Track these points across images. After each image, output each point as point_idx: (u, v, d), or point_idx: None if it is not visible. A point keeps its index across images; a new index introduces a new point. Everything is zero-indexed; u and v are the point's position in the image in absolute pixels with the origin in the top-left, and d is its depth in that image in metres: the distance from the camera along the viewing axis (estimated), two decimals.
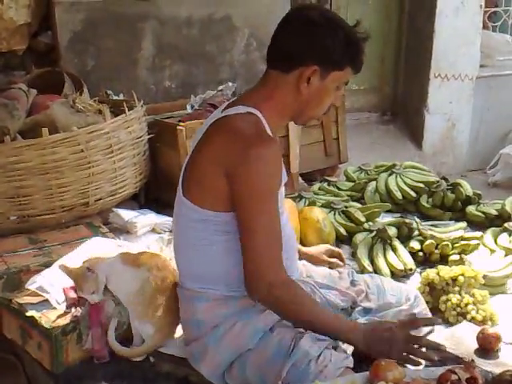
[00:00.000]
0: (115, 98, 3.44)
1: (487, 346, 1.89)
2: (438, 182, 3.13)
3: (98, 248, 2.28)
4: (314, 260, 2.16)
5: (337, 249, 2.29)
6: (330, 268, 2.13)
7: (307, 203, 2.97)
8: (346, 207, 2.95)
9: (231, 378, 1.74)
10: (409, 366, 1.58)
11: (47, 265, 2.26)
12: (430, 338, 1.90)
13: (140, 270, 1.95)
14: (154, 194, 3.21)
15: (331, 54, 1.67)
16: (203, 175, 1.69)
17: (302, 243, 2.52)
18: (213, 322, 1.73)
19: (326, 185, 3.32)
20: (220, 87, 3.72)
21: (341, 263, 2.21)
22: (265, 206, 1.63)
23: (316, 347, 1.66)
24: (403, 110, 4.86)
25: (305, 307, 1.64)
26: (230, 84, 3.74)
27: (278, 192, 1.69)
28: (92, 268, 1.94)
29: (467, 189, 3.07)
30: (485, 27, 4.88)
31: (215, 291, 1.74)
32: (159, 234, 2.71)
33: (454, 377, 1.34)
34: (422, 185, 3.12)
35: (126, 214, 2.80)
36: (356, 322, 1.77)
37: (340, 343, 1.74)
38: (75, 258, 2.21)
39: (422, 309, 2.02)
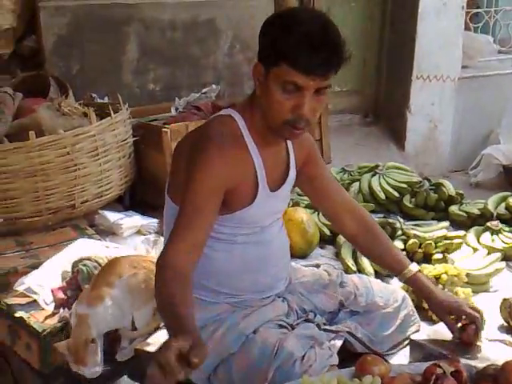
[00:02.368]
0: (100, 101, 3.46)
1: (467, 341, 1.91)
2: (420, 182, 3.16)
3: (86, 249, 2.29)
4: (433, 310, 1.94)
5: (475, 314, 1.83)
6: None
7: (291, 204, 3.00)
8: None
9: (217, 380, 1.73)
10: (396, 360, 1.59)
11: (35, 266, 2.28)
12: (414, 335, 1.95)
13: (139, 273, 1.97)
14: (139, 196, 3.22)
15: (265, 48, 1.59)
16: (177, 172, 1.71)
17: None
18: (198, 324, 1.68)
19: None
20: (204, 90, 3.74)
21: (456, 334, 1.82)
22: (186, 203, 1.59)
23: (300, 347, 1.65)
24: (385, 112, 4.89)
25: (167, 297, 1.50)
26: (214, 86, 3.76)
27: (211, 192, 1.60)
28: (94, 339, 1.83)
29: (450, 189, 3.11)
30: (467, 28, 4.90)
31: (194, 295, 1.70)
32: (145, 235, 2.73)
33: (439, 370, 1.37)
34: (404, 185, 3.16)
35: (112, 216, 2.81)
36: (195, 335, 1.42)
37: (325, 340, 1.76)
38: (63, 259, 2.22)
39: (409, 310, 2.02)
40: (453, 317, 1.86)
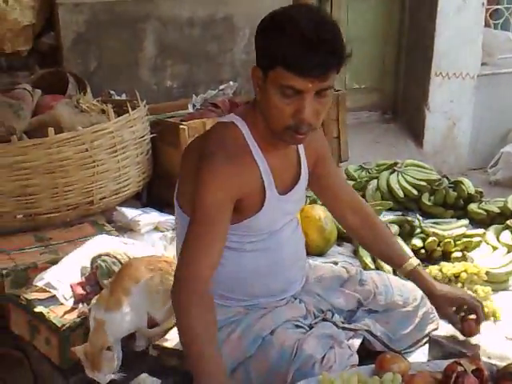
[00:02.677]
0: (118, 98, 3.47)
1: (469, 332, 1.86)
2: (439, 179, 3.13)
3: (104, 245, 2.30)
4: (433, 304, 1.92)
5: (476, 303, 1.85)
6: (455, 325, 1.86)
7: (308, 201, 2.99)
8: None
9: (236, 382, 1.71)
10: (414, 358, 1.58)
11: (54, 262, 2.30)
12: (433, 333, 1.94)
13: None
14: (156, 193, 3.23)
15: (260, 51, 1.55)
16: (185, 181, 1.68)
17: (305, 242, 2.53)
18: None
19: None
20: (221, 87, 3.75)
21: (458, 326, 1.82)
22: (198, 218, 1.56)
23: (319, 349, 1.64)
24: (404, 109, 4.86)
25: (196, 328, 1.50)
26: (232, 83, 3.77)
27: (222, 205, 1.57)
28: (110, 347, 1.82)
29: (469, 186, 3.08)
30: (486, 25, 4.86)
31: None
32: (162, 232, 2.74)
33: (460, 368, 1.36)
34: (423, 183, 3.13)
35: (130, 213, 2.82)
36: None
37: (344, 339, 1.75)
38: (82, 255, 2.23)
39: (428, 308, 2.01)
40: (454, 309, 1.85)
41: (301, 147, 1.79)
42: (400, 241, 2.63)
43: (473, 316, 1.82)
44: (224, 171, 1.54)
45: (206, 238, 1.55)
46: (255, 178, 1.64)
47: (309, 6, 1.64)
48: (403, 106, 4.87)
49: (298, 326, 1.75)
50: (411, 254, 2.14)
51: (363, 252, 2.59)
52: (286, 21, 1.49)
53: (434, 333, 1.95)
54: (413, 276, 1.93)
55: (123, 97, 3.50)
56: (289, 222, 1.80)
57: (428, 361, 1.81)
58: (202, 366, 1.46)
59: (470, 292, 2.19)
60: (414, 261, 1.94)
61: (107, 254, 2.08)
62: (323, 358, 1.62)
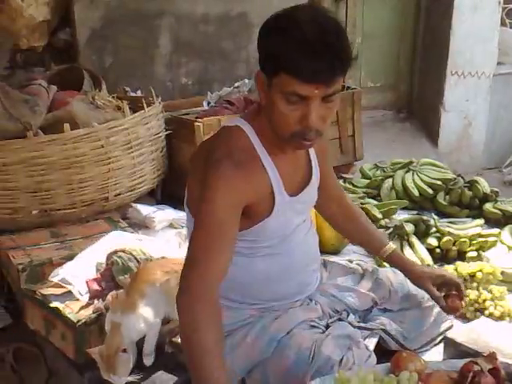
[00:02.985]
0: (133, 94, 3.48)
1: (453, 308, 1.89)
2: (455, 179, 3.12)
3: (119, 241, 2.30)
4: (415, 282, 1.93)
5: (457, 279, 1.93)
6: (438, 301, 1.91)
7: None
8: (362, 204, 2.95)
9: (253, 382, 1.70)
10: (429, 357, 1.57)
11: (69, 258, 2.31)
12: (449, 333, 1.93)
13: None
14: (171, 190, 3.23)
15: (263, 56, 1.50)
16: (193, 187, 1.65)
17: (319, 240, 2.51)
18: (225, 329, 1.61)
19: (341, 182, 3.32)
20: (236, 84, 3.73)
21: (442, 302, 1.86)
22: (208, 220, 1.51)
23: (338, 350, 1.62)
24: (419, 108, 4.83)
25: (199, 334, 1.44)
26: (247, 81, 3.75)
27: (225, 213, 1.51)
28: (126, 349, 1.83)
29: (484, 186, 3.06)
30: (503, 24, 4.82)
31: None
32: (177, 229, 2.74)
33: (476, 367, 1.35)
34: (439, 182, 3.12)
35: (145, 209, 2.83)
36: None
37: (361, 339, 1.74)
38: (97, 251, 2.24)
39: None
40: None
41: None
42: (415, 240, 2.63)
43: (454, 292, 1.88)
44: (232, 177, 1.50)
45: (214, 245, 1.49)
46: (264, 184, 1.60)
47: (313, 7, 1.60)
48: (418, 105, 4.84)
49: (313, 327, 1.73)
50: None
51: None
52: (289, 24, 1.44)
53: (450, 333, 1.93)
54: (393, 259, 1.97)
55: (138, 93, 3.51)
56: (302, 223, 1.78)
57: (443, 360, 1.80)
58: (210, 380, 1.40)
59: (486, 292, 2.19)
60: (393, 245, 1.99)
61: (123, 251, 2.09)
62: (342, 359, 1.60)
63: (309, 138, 1.51)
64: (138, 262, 2.09)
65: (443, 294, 1.89)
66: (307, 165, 1.77)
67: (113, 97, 3.10)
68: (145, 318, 1.88)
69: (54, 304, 2.03)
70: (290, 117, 1.47)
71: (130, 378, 1.82)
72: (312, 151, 1.78)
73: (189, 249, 1.53)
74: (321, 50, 1.40)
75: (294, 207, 1.69)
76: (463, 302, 1.90)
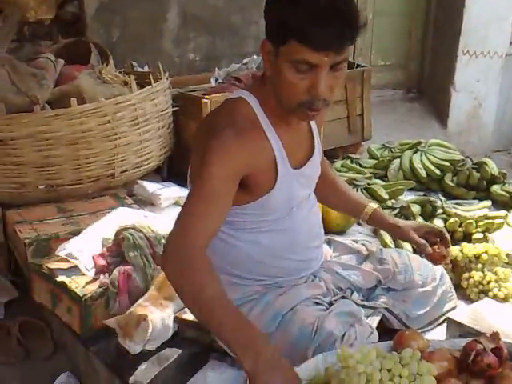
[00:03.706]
0: (140, 69, 3.46)
1: (439, 256, 1.91)
2: (463, 160, 3.11)
3: (125, 218, 2.31)
4: (399, 235, 1.98)
5: (438, 227, 2.01)
6: (416, 251, 1.97)
7: None
8: (368, 184, 2.95)
9: None
10: (432, 337, 1.57)
11: (75, 233, 2.32)
12: (452, 313, 1.93)
13: None
14: (177, 167, 3.22)
15: (272, 24, 1.47)
16: (194, 166, 1.63)
17: (325, 220, 2.51)
18: None
19: (348, 162, 3.32)
20: (245, 60, 3.71)
21: (428, 249, 1.89)
22: (201, 187, 1.49)
23: (340, 326, 1.63)
24: (429, 88, 4.78)
25: (205, 290, 1.39)
26: (255, 57, 3.72)
27: (222, 181, 1.50)
28: (147, 318, 1.83)
29: (493, 168, 3.05)
30: None
31: (223, 277, 1.67)
32: None
33: (479, 346, 1.35)
34: (447, 163, 3.10)
35: (151, 187, 2.83)
36: (264, 343, 1.36)
37: (363, 317, 1.74)
38: (103, 227, 2.25)
39: (447, 287, 2.02)
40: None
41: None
42: (421, 221, 2.63)
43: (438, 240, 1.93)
44: (232, 145, 1.49)
45: (204, 209, 1.46)
46: (266, 154, 1.59)
47: None
48: (428, 85, 4.79)
49: (317, 304, 1.75)
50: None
51: (383, 231, 2.58)
52: None
53: (453, 314, 1.94)
54: (375, 217, 1.99)
55: (145, 69, 3.49)
56: (307, 197, 1.78)
57: (446, 339, 1.81)
58: (238, 335, 1.34)
59: (490, 274, 2.19)
60: (374, 204, 2.01)
61: (133, 228, 2.08)
62: (344, 335, 1.62)
63: (316, 108, 1.50)
64: (148, 239, 2.09)
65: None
66: (309, 138, 1.77)
67: (120, 72, 3.08)
68: (166, 323, 1.89)
69: (60, 278, 2.04)
70: (298, 86, 1.46)
71: (139, 348, 1.83)
72: (313, 124, 1.77)
73: (179, 213, 1.51)
74: (331, 17, 1.39)
75: (298, 180, 1.69)
76: (449, 251, 1.93)
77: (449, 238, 1.95)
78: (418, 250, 1.95)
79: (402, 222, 1.99)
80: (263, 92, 1.58)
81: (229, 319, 1.37)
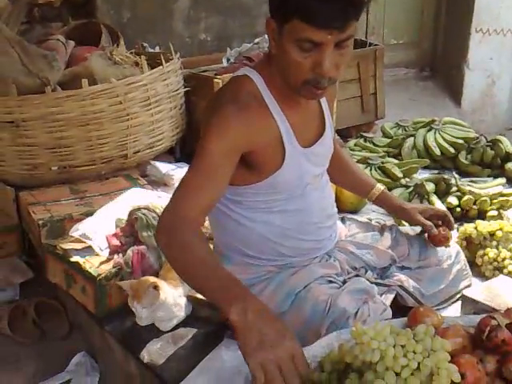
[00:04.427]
0: (151, 50, 3.44)
1: (444, 237, 1.95)
2: (477, 138, 3.08)
3: (139, 198, 2.31)
4: (405, 216, 2.03)
5: (443, 210, 2.07)
6: (424, 232, 1.98)
7: None
8: (382, 163, 2.93)
9: None
10: (446, 314, 1.56)
11: (89, 214, 2.32)
12: (467, 291, 1.92)
13: None
14: (189, 147, 3.22)
15: (275, 2, 1.45)
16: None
17: (338, 199, 2.50)
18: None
19: (362, 141, 3.30)
20: (256, 40, 3.67)
21: (434, 230, 1.94)
22: (199, 162, 1.49)
23: (354, 303, 1.63)
24: (442, 66, 4.74)
25: (193, 253, 1.37)
26: (267, 37, 3.68)
27: (222, 153, 1.48)
28: (158, 286, 1.84)
29: (507, 145, 3.02)
30: None
31: (236, 257, 1.72)
32: None
33: (493, 322, 1.34)
34: (461, 141, 3.08)
35: (164, 167, 2.83)
36: (251, 297, 1.32)
37: (377, 294, 1.74)
38: (117, 207, 2.25)
39: (462, 265, 2.01)
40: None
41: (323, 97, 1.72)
42: (435, 198, 2.61)
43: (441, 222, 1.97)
44: (232, 121, 1.48)
45: (199, 183, 1.46)
46: (271, 131, 1.58)
47: None
48: (442, 63, 4.74)
49: (331, 282, 1.74)
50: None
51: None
52: None
53: (468, 291, 1.93)
54: (382, 198, 2.04)
55: (156, 49, 3.47)
56: (319, 177, 1.76)
57: (461, 316, 1.80)
58: (224, 289, 1.30)
59: (505, 251, 2.17)
60: (381, 186, 2.06)
61: (147, 208, 2.08)
62: (357, 312, 1.62)
63: (321, 86, 1.48)
64: None
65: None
66: (320, 116, 1.75)
67: (131, 52, 3.07)
68: (178, 302, 1.90)
69: (74, 258, 2.05)
70: (302, 64, 1.44)
71: (148, 316, 1.85)
72: (324, 101, 1.75)
73: (177, 186, 1.51)
74: None
75: (309, 158, 1.67)
76: (451, 233, 1.98)
77: (453, 220, 1.99)
78: (424, 231, 1.97)
79: (408, 205, 2.05)
80: (268, 70, 1.57)
81: (215, 277, 1.34)
